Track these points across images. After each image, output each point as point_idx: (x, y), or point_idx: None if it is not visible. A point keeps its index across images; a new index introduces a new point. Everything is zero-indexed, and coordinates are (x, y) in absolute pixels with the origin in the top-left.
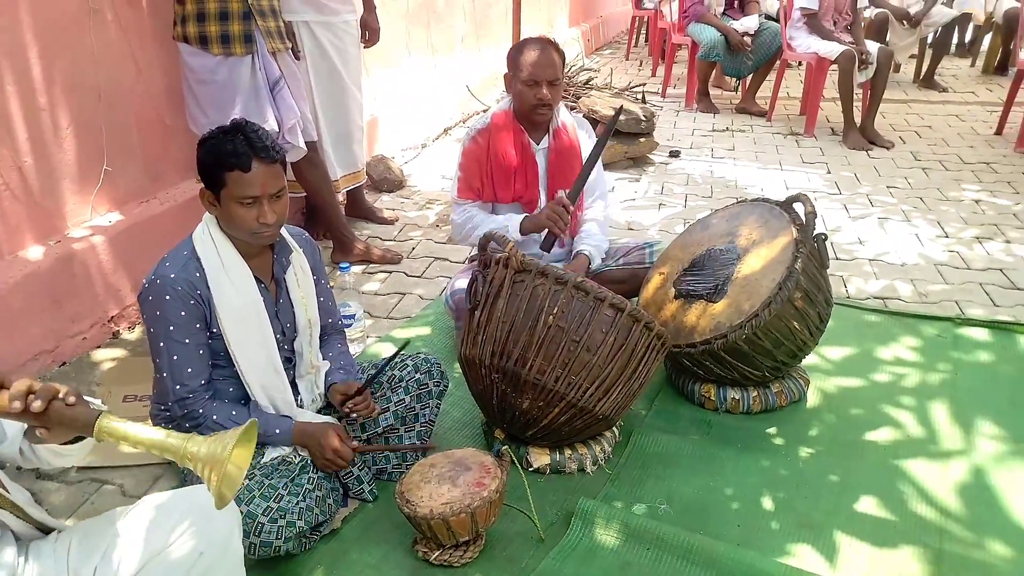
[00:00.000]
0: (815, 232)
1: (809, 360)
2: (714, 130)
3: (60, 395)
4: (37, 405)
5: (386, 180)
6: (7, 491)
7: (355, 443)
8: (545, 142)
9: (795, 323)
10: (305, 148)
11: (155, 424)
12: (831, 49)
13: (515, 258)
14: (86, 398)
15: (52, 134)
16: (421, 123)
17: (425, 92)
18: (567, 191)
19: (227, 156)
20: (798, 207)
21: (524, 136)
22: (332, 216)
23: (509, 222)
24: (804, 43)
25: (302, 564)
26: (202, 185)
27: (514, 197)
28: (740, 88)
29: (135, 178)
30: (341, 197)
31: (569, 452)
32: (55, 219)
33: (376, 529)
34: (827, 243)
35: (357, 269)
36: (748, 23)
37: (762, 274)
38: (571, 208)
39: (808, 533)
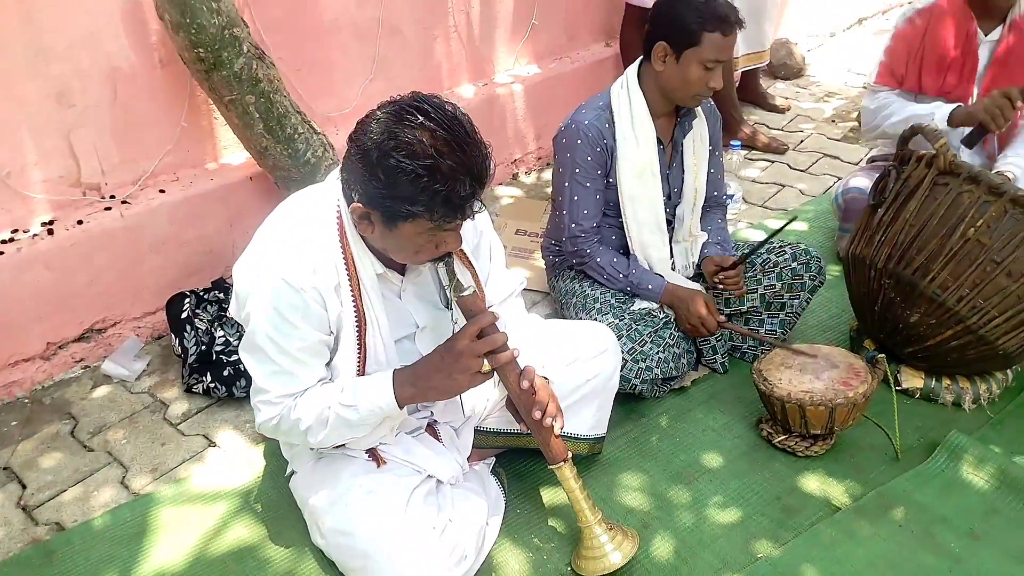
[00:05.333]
0: None
1: None
2: None
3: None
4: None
5: (785, 66)
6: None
7: (721, 317)
8: (996, 33)
9: None
10: None
11: (543, 256)
12: None
13: (944, 157)
14: None
15: None
16: (835, 8)
17: None
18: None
19: (714, 18)
20: None
21: (972, 24)
22: (724, 94)
23: (937, 110)
24: None
25: (651, 408)
26: (662, 41)
27: (941, 91)
28: None
29: (555, 35)
30: (736, 76)
31: (948, 382)
32: (485, 64)
33: (722, 399)
34: None
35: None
36: None
37: None
38: (1018, 104)
39: None
